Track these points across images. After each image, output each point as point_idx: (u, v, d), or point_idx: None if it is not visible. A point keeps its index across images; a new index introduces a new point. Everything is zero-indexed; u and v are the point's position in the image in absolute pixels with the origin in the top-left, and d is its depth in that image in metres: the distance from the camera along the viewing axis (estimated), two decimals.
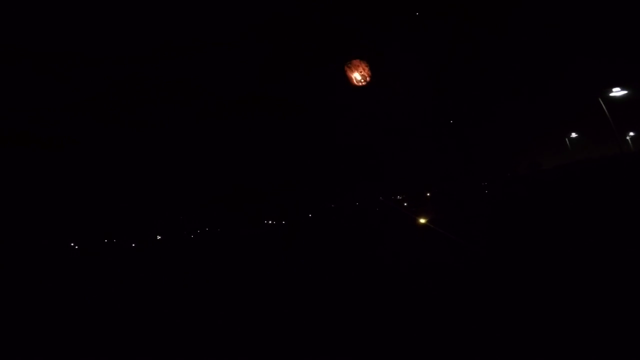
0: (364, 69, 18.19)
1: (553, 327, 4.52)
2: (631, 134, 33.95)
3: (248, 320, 7.14)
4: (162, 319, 8.37)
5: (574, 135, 35.57)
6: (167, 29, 27.76)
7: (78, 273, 24.53)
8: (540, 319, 4.76)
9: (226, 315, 7.76)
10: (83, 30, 28.22)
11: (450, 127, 41.59)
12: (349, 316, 6.25)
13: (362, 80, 18.25)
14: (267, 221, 73.63)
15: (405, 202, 52.71)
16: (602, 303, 4.81)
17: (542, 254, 7.72)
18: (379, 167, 50.12)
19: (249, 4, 24.98)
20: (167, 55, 28.59)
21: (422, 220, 20.86)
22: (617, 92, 25.70)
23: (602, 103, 27.44)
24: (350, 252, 14.68)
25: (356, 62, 18.50)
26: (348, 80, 18.65)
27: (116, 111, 32.26)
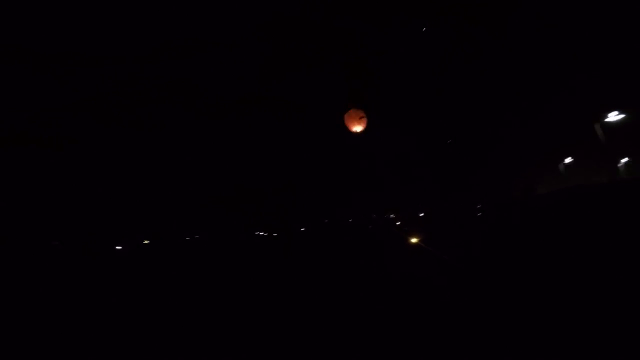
0: (360, 120, 19.46)
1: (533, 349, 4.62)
2: (624, 160, 34.18)
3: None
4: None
5: (568, 160, 36.03)
6: (167, 29, 27.95)
7: (74, 273, 24.37)
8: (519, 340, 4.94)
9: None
10: (83, 30, 28.32)
11: (446, 148, 41.98)
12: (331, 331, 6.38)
13: (359, 130, 19.56)
14: (259, 232, 73.15)
15: (398, 221, 53.07)
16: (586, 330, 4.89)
17: (531, 278, 7.92)
18: (373, 184, 50.25)
19: (249, 4, 25.25)
20: (167, 55, 28.78)
21: (414, 240, 21.24)
22: (613, 116, 25.99)
23: (597, 128, 27.75)
24: (342, 267, 14.78)
25: (353, 113, 19.63)
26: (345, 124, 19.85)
27: (116, 111, 32.24)
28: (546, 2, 26.06)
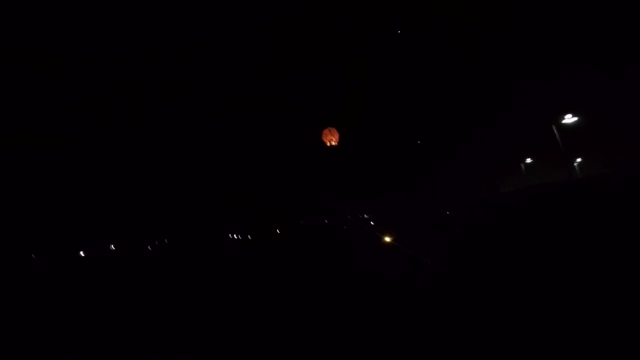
0: (334, 136, 22.07)
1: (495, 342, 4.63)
2: (579, 160, 37.74)
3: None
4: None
5: (528, 160, 39.71)
6: (167, 29, 28.51)
7: (72, 274, 23.76)
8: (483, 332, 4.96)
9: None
10: (83, 30, 28.65)
11: (416, 149, 44.29)
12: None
13: (332, 144, 22.31)
14: (234, 235, 72.26)
15: (372, 221, 54.54)
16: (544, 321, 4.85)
17: (496, 272, 8.36)
18: (347, 185, 51.72)
19: (249, 4, 26.27)
20: (167, 55, 29.22)
21: (388, 239, 21.57)
22: (568, 119, 29.03)
23: (554, 130, 30.75)
24: (319, 267, 15.25)
25: (328, 131, 22.22)
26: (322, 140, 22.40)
27: (116, 111, 32.45)
28: (507, 9, 28.46)
